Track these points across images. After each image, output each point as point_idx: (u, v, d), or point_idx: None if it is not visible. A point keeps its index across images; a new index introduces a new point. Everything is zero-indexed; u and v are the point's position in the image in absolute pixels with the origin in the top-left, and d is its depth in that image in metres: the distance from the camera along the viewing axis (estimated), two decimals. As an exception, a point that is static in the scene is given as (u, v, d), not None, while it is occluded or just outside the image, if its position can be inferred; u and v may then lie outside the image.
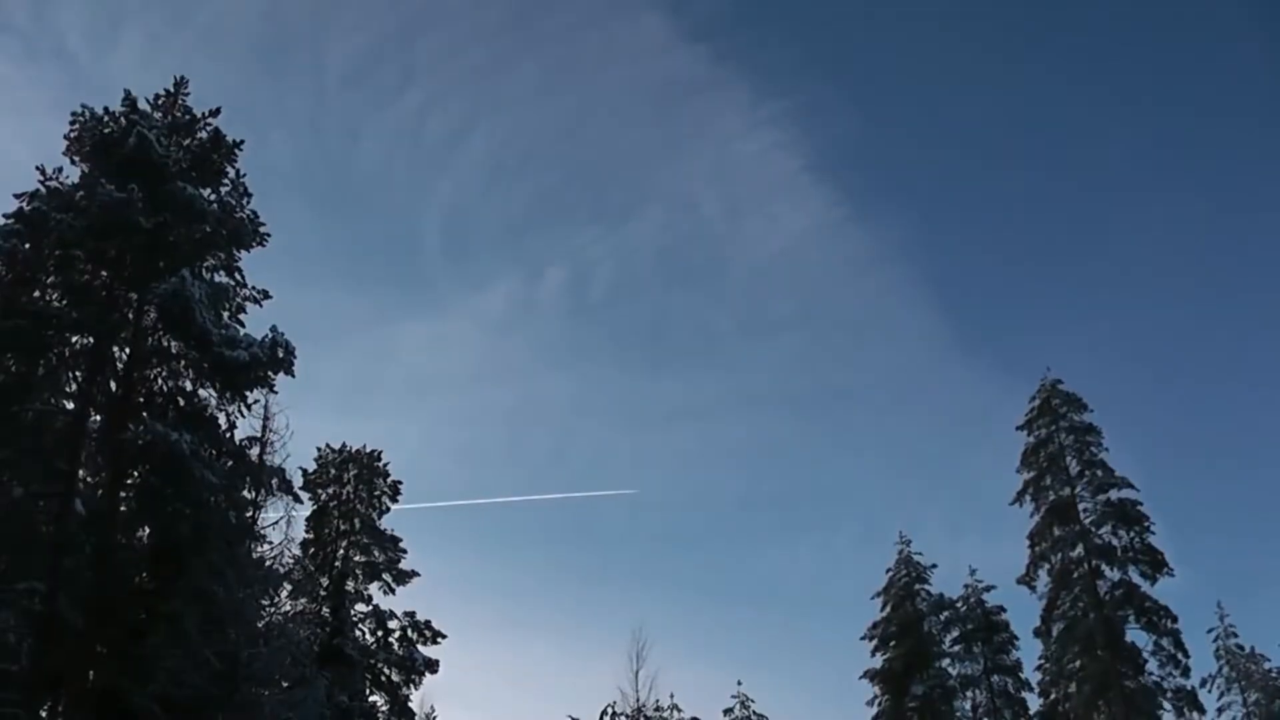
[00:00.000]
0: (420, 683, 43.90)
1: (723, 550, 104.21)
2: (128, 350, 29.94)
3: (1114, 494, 48.27)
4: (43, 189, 29.70)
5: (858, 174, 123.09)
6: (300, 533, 41.00)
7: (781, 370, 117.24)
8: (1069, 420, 50.15)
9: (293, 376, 31.28)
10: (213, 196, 31.93)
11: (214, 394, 30.84)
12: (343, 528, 45.48)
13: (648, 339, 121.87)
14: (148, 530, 29.32)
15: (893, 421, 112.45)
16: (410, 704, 43.54)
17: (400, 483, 47.09)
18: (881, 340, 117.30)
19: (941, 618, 54.91)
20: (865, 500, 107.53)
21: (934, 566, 56.11)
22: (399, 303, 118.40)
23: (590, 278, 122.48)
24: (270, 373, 30.95)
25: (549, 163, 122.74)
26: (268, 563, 31.35)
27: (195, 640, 26.44)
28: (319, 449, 46.61)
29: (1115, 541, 47.47)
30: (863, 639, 55.18)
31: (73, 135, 30.86)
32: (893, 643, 54.36)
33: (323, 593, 42.29)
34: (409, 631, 44.53)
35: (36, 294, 29.34)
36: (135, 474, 29.43)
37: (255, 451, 31.39)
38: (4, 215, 28.93)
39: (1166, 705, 44.74)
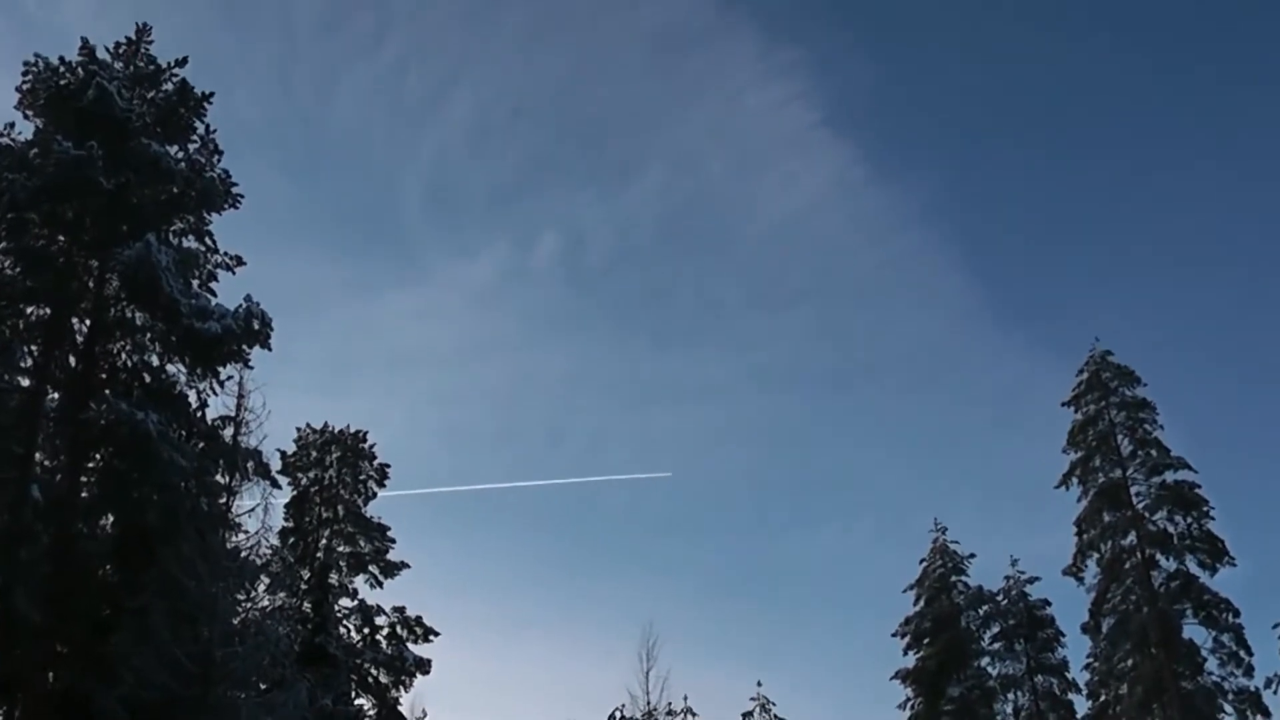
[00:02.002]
0: (411, 684, 44.02)
1: (737, 540, 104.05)
2: (88, 322, 30.06)
3: (1170, 476, 48.08)
4: (-7, 146, 29.70)
5: (880, 128, 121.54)
6: (279, 521, 40.86)
7: (796, 344, 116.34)
8: (1120, 395, 49.94)
9: (269, 350, 31.67)
10: (180, 154, 32.12)
11: (183, 370, 31.08)
12: (325, 515, 45.54)
13: (650, 311, 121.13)
14: (111, 518, 29.50)
15: (921, 399, 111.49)
16: (400, 707, 43.61)
17: (388, 466, 47.17)
18: (907, 311, 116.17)
19: (980, 612, 54.93)
20: (892, 484, 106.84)
21: (972, 556, 56.16)
22: (380, 271, 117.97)
23: (587, 244, 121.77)
24: (245, 346, 31.18)
25: (540, 120, 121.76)
26: (243, 553, 31.17)
27: (164, 638, 26.44)
28: (298, 429, 46.72)
29: (1171, 528, 47.30)
30: (894, 636, 55.31)
31: (25, 87, 30.85)
32: (927, 640, 54.38)
33: (304, 586, 42.30)
34: (398, 629, 44.63)
35: (-13, 261, 29.37)
36: (97, 457, 29.62)
37: (229, 432, 31.40)
38: (-49, 175, 28.93)
39: (1227, 708, 44.62)
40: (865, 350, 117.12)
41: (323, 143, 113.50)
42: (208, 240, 32.69)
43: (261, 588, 33.99)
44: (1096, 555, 48.52)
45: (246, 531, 31.86)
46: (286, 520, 44.10)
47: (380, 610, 44.70)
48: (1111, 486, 48.75)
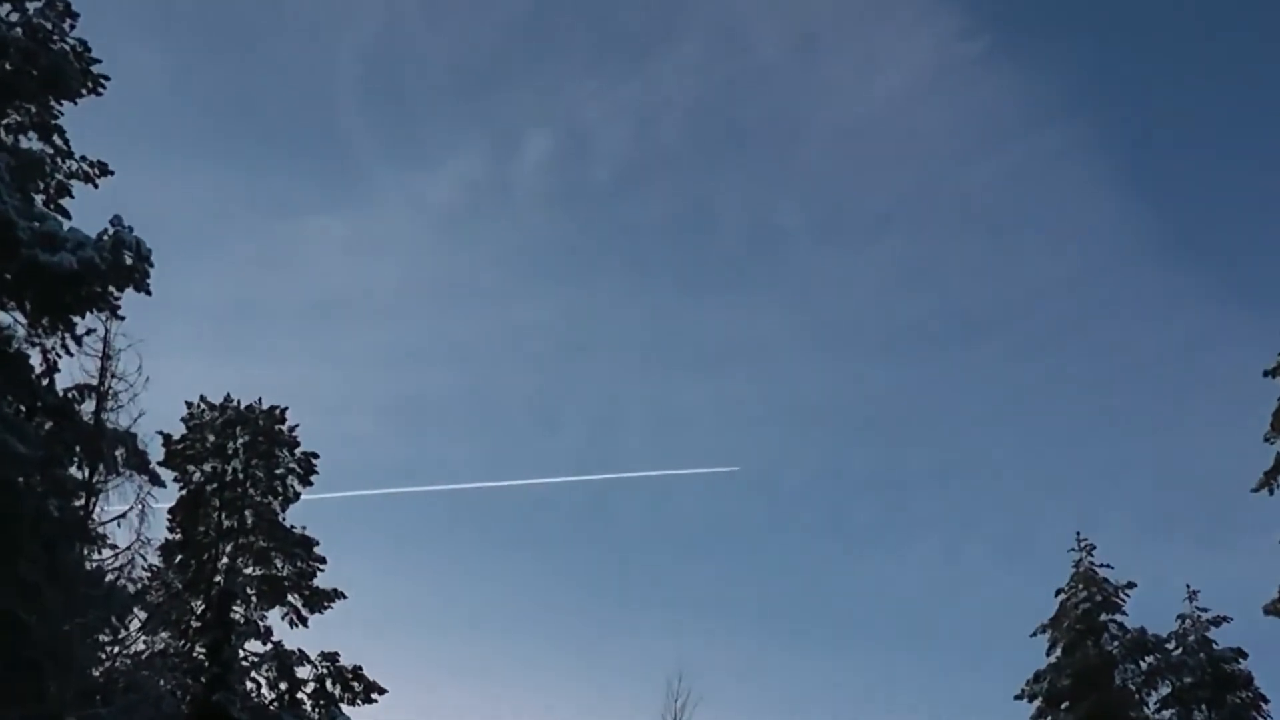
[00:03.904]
0: (346, 760, 44.15)
1: (802, 560, 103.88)
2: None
3: None
4: None
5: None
6: (161, 532, 41.00)
7: (883, 290, 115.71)
8: (1347, 362, 49.36)
9: (146, 294, 31.51)
10: (14, 17, 31.72)
11: (22, 320, 30.87)
12: (227, 524, 45.68)
13: (679, 244, 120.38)
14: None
15: (1057, 366, 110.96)
16: (331, 792, 43.85)
17: (315, 456, 47.32)
18: (1039, 244, 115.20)
19: (1143, 665, 54.67)
20: (1016, 484, 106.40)
21: (1130, 586, 55.76)
22: (304, 187, 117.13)
23: (590, 150, 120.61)
24: (111, 287, 31.10)
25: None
26: (110, 577, 31.33)
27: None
28: (189, 405, 46.88)
29: None
30: (1019, 698, 55.01)
31: None
32: (1066, 705, 54.16)
33: (196, 623, 42.36)
34: (329, 683, 44.72)
35: None
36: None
37: (89, 407, 31.55)
38: None
39: None
40: (980, 298, 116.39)
41: (222, 7, 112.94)
42: (57, 139, 32.41)
43: (135, 625, 34.08)
44: (1313, 587, 48.10)
45: (114, 546, 32.11)
46: (172, 531, 44.35)
47: (304, 658, 44.79)
48: (1334, 490, 48.25)
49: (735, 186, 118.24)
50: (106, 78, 32.62)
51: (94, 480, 31.38)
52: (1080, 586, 55.84)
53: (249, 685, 42.99)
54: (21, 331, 30.73)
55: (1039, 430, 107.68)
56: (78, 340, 31.26)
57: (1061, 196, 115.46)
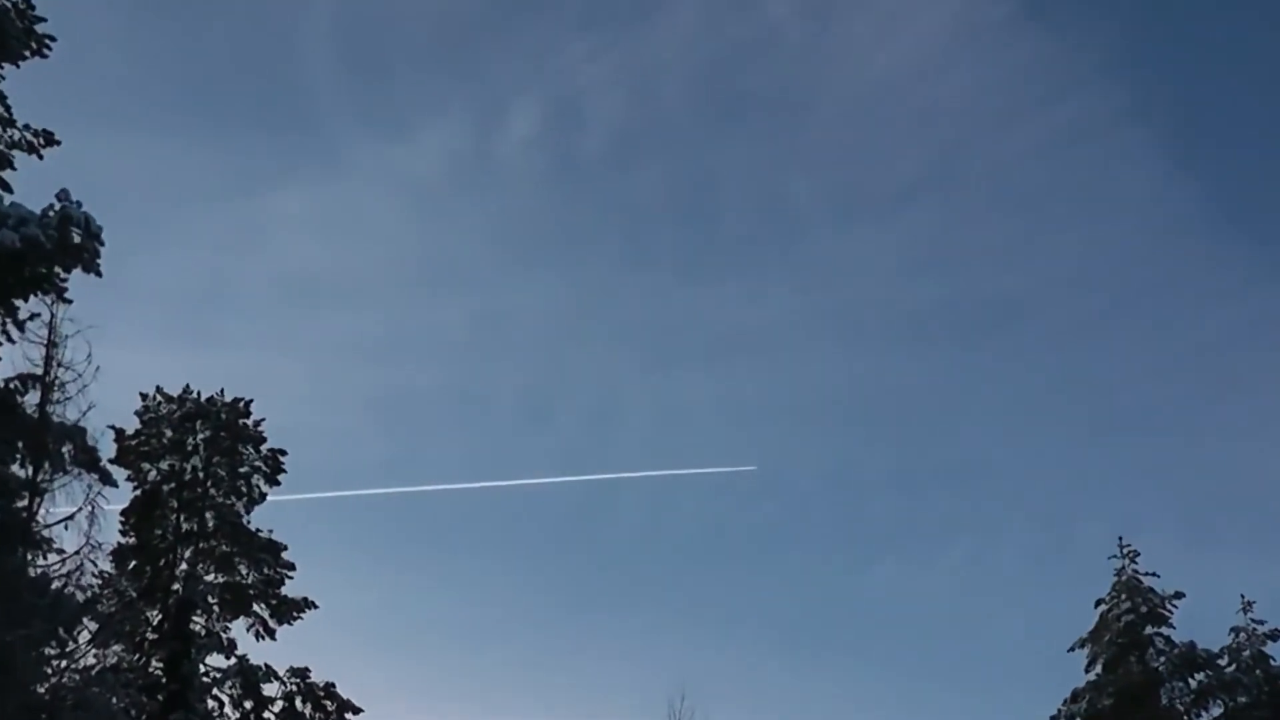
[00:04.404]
0: (317, 785, 44.18)
1: (814, 566, 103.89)
2: None
3: None
4: None
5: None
6: (113, 535, 41.06)
7: (901, 274, 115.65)
8: None
9: (97, 275, 31.56)
10: (-53, -31, 31.73)
11: (-44, 302, 30.77)
12: (186, 528, 45.70)
13: (680, 222, 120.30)
14: None
15: (1094, 355, 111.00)
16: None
17: (283, 454, 47.35)
18: (1073, 220, 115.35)
19: (1192, 683, 54.65)
20: (1050, 484, 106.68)
21: (1178, 597, 55.70)
22: (271, 159, 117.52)
23: (583, 118, 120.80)
24: (59, 268, 31.08)
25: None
26: (56, 584, 31.26)
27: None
28: (144, 397, 46.89)
29: None
30: (1055, 718, 54.97)
31: None
32: (1108, 726, 54.15)
33: (152, 634, 42.34)
34: (298, 701, 44.79)
35: None
36: None
37: (33, 399, 31.48)
38: None
39: None
40: (1009, 282, 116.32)
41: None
42: (-2, 106, 32.32)
43: (85, 637, 34.03)
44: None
45: (62, 551, 32.03)
46: (125, 534, 44.43)
47: (271, 674, 44.84)
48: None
49: (741, 160, 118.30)
50: (52, 38, 32.58)
51: (38, 479, 31.30)
52: (1123, 597, 55.80)
53: (210, 704, 43.02)
54: (-43, 315, 30.86)
55: (1072, 427, 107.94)
56: (20, 325, 31.35)
57: (1097, 171, 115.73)
